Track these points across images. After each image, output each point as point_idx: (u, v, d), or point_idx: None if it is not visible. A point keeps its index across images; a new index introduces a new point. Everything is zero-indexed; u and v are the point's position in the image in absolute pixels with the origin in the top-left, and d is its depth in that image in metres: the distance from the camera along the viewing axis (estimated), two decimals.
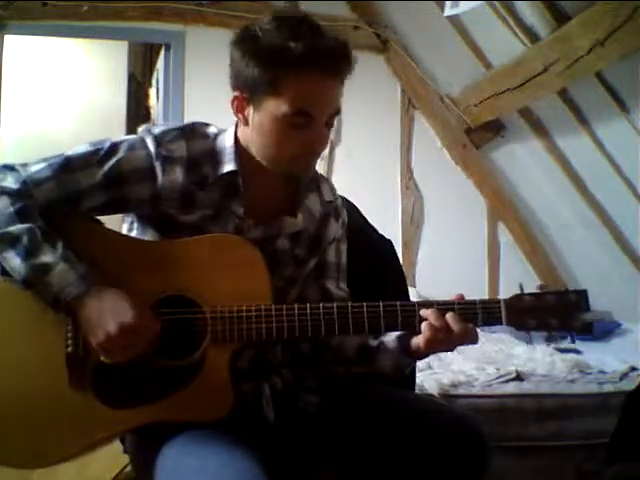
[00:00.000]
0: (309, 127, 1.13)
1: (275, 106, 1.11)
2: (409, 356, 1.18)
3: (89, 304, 1.08)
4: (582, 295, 1.13)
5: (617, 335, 2.99)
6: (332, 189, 1.36)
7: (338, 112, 1.17)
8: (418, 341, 1.13)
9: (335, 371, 1.30)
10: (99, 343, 1.07)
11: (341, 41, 1.13)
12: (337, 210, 1.35)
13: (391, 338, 1.21)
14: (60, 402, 1.10)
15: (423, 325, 1.10)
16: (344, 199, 1.42)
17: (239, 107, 1.16)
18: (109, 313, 1.07)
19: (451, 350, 1.15)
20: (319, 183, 1.33)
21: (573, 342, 1.15)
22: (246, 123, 1.17)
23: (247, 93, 1.14)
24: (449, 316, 1.10)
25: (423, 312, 1.11)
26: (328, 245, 1.32)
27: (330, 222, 1.32)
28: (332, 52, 1.11)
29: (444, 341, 1.10)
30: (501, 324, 1.13)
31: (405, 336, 1.18)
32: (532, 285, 1.19)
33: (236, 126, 1.22)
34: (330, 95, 1.14)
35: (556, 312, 1.12)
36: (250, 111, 1.15)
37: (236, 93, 1.15)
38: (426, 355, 1.17)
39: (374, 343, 1.23)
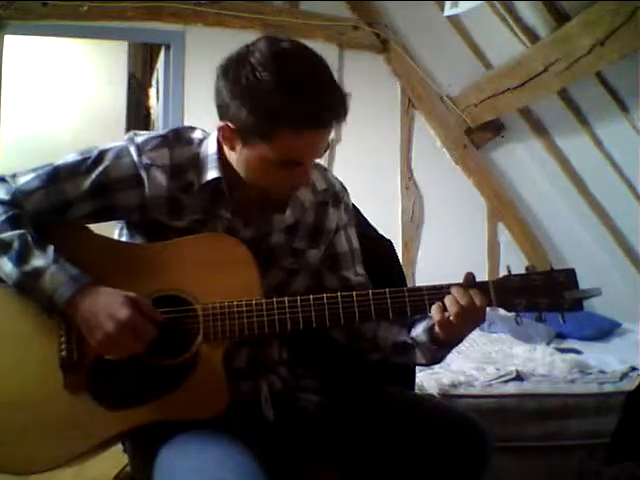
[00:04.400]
0: (296, 169, 1.12)
1: (266, 151, 1.09)
2: (439, 347, 1.19)
3: (83, 304, 1.08)
4: (570, 274, 1.13)
5: (617, 335, 2.99)
6: (325, 176, 1.33)
7: (327, 148, 1.16)
8: (437, 330, 1.13)
9: (371, 358, 1.30)
10: (98, 342, 1.08)
11: (340, 94, 1.10)
12: (337, 196, 1.32)
13: (419, 332, 1.21)
14: (56, 406, 1.10)
15: (448, 302, 1.10)
16: None
17: (226, 136, 1.14)
18: (105, 311, 1.07)
19: (474, 328, 1.15)
20: None
21: (563, 321, 1.14)
22: (232, 149, 1.15)
23: (236, 128, 1.11)
24: (473, 292, 1.11)
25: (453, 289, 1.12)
26: (334, 235, 1.32)
27: (328, 211, 1.30)
28: (332, 110, 1.08)
29: (472, 314, 1.10)
30: (491, 305, 1.13)
31: (432, 328, 1.17)
32: None
33: (219, 132, 1.20)
34: (322, 144, 1.12)
35: (545, 292, 1.13)
36: (238, 143, 1.13)
37: (224, 124, 1.12)
38: (458, 341, 1.18)
39: (409, 340, 1.24)
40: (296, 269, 1.28)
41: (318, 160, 1.23)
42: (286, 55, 1.08)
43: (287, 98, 1.04)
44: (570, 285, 1.12)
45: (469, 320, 1.12)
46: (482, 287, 1.13)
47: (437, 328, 1.13)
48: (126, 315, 1.06)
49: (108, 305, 1.07)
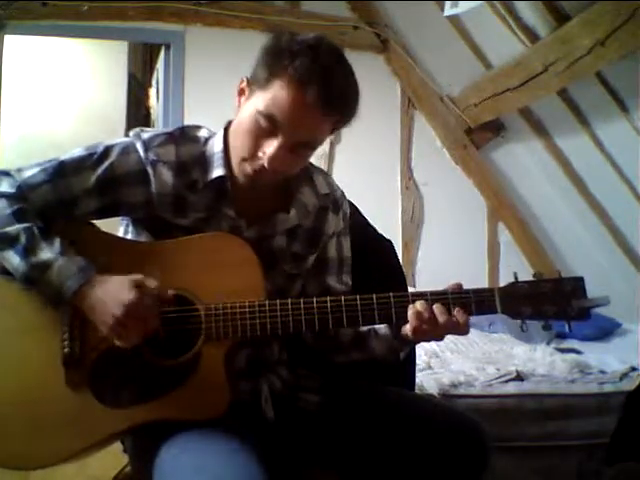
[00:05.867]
0: (271, 139, 1.10)
1: (256, 100, 1.11)
2: (401, 341, 1.20)
3: (91, 294, 1.08)
4: (578, 282, 1.12)
5: (617, 335, 2.99)
6: (328, 182, 1.34)
7: (309, 144, 1.14)
8: (405, 330, 1.13)
9: (337, 361, 1.31)
10: (110, 329, 1.07)
11: (354, 90, 1.13)
12: (337, 203, 1.33)
13: (382, 324, 1.22)
14: (58, 402, 1.10)
15: (410, 315, 1.11)
16: None
17: (240, 91, 1.18)
18: (112, 297, 1.07)
19: (439, 339, 1.16)
20: (312, 175, 1.31)
21: (570, 330, 1.13)
22: (239, 106, 1.18)
23: (250, 79, 1.15)
24: (436, 307, 1.11)
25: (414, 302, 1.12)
26: (328, 240, 1.32)
27: (328, 215, 1.31)
28: (340, 97, 1.10)
29: (430, 331, 1.11)
30: (496, 312, 1.12)
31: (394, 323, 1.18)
32: None
33: (225, 130, 1.22)
34: (308, 122, 1.10)
35: (552, 299, 1.11)
36: (245, 97, 1.16)
37: (244, 78, 1.17)
38: (417, 342, 1.19)
39: (365, 329, 1.25)
40: (296, 274, 1.28)
41: (318, 163, 1.23)
42: (327, 43, 1.12)
43: (311, 66, 1.06)
44: (578, 293, 1.11)
45: (438, 333, 1.12)
46: (485, 294, 1.12)
47: (409, 330, 1.13)
48: (132, 296, 1.06)
49: (115, 290, 1.07)
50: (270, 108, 1.09)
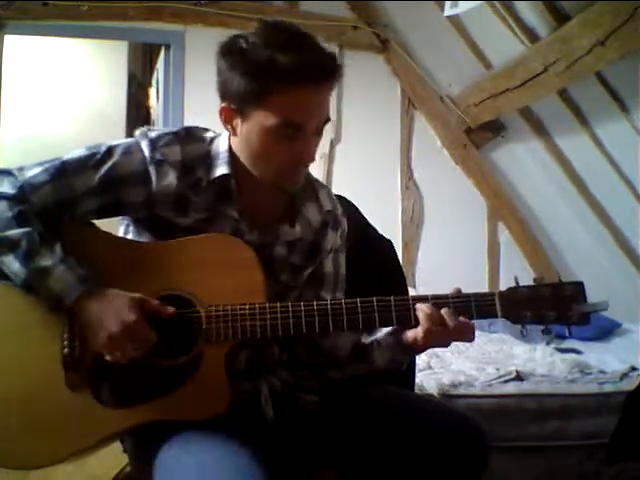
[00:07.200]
0: (297, 138, 1.12)
1: (263, 117, 1.10)
2: (404, 350, 1.19)
3: (90, 306, 1.08)
4: (578, 286, 1.12)
5: (617, 335, 2.99)
6: (331, 197, 1.34)
7: (327, 121, 1.16)
8: (415, 334, 1.12)
9: (332, 377, 1.31)
10: (101, 344, 1.08)
11: (329, 52, 1.11)
12: (336, 219, 1.34)
13: (383, 334, 1.22)
14: (58, 403, 1.10)
15: (421, 317, 1.10)
16: (345, 200, 1.41)
17: (227, 118, 1.15)
18: (109, 314, 1.07)
19: (446, 346, 1.16)
20: (317, 192, 1.32)
21: (570, 334, 1.13)
22: (235, 134, 1.17)
23: (235, 104, 1.12)
24: (445, 311, 1.10)
25: (419, 305, 1.11)
26: (326, 255, 1.32)
27: (328, 232, 1.31)
28: (320, 64, 1.09)
29: (440, 335, 1.10)
30: (496, 317, 1.12)
31: (397, 331, 1.18)
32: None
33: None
34: (318, 106, 1.12)
35: (552, 304, 1.11)
36: (238, 122, 1.14)
37: (224, 104, 1.14)
38: (423, 349, 1.17)
39: (367, 341, 1.24)
40: (291, 285, 1.28)
41: (318, 168, 1.24)
42: (276, 24, 1.13)
43: (274, 51, 1.06)
44: (578, 298, 1.11)
45: (448, 337, 1.12)
46: (485, 298, 1.12)
47: (419, 333, 1.12)
48: (132, 318, 1.06)
49: (114, 307, 1.07)
50: (285, 117, 1.09)
